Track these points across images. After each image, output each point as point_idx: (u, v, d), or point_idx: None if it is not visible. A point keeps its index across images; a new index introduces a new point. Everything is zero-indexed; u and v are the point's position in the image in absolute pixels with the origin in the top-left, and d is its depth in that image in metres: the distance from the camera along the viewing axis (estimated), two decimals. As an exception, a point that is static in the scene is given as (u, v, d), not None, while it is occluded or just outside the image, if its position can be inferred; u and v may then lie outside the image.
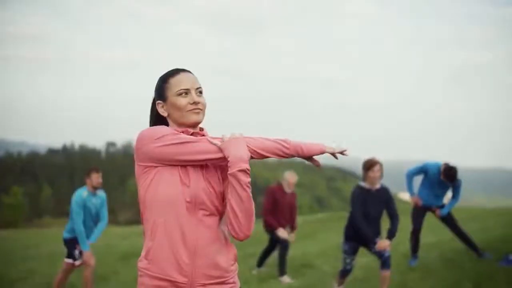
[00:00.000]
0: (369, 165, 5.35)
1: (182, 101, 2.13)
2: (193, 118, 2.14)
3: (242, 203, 2.04)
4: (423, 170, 6.90)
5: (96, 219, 6.30)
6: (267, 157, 2.15)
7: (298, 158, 2.23)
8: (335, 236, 11.24)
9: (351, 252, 5.53)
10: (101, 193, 6.35)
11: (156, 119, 2.25)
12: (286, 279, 7.05)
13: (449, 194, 6.95)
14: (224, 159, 2.08)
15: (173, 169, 2.07)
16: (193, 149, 2.06)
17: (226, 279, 2.13)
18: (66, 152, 76.65)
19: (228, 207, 2.07)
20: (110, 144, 79.75)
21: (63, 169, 68.41)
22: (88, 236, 6.18)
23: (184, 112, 2.13)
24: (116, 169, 63.80)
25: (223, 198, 2.15)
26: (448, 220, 6.89)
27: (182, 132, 2.14)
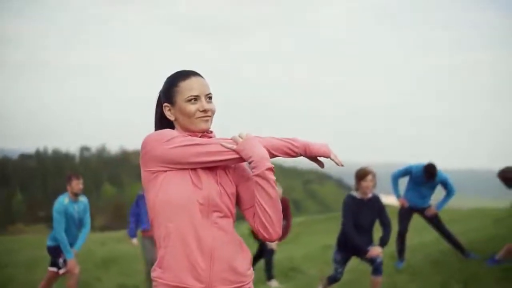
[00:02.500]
0: (362, 174, 5.25)
1: (192, 107, 2.07)
2: (201, 125, 2.09)
3: (272, 202, 2.00)
4: (407, 172, 6.93)
5: (79, 225, 6.16)
6: (276, 156, 2.11)
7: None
8: (319, 239, 11.24)
9: (343, 262, 5.49)
10: (83, 199, 6.22)
11: (161, 121, 2.18)
12: (274, 283, 7.00)
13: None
14: (240, 159, 2.03)
15: (183, 172, 2.01)
16: (207, 150, 2.00)
17: (243, 284, 2.07)
18: (39, 157, 75.30)
19: (257, 209, 2.02)
20: (84, 149, 78.70)
21: (36, 174, 67.25)
22: (72, 244, 6.04)
23: (193, 119, 2.08)
24: (90, 174, 62.88)
25: (235, 200, 2.10)
26: (435, 221, 6.92)
27: (190, 135, 2.08)
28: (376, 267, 5.24)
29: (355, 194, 5.35)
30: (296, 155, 2.12)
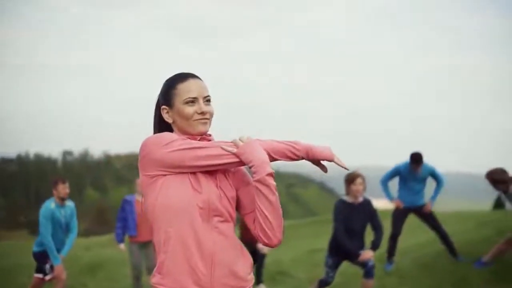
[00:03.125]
0: (351, 178, 5.25)
1: (190, 110, 2.04)
2: (199, 128, 2.05)
3: (273, 207, 1.97)
4: (395, 172, 6.97)
5: (66, 230, 6.07)
6: (278, 160, 2.08)
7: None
8: (305, 243, 11.25)
9: (335, 266, 5.47)
10: (70, 204, 6.13)
11: (160, 124, 2.15)
12: (262, 287, 6.96)
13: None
14: (240, 163, 2.00)
15: (183, 176, 1.98)
16: (207, 154, 1.97)
17: None
18: (21, 161, 74.47)
19: (258, 214, 1.98)
20: (67, 153, 78.00)
21: (17, 179, 66.47)
22: (59, 249, 5.94)
23: (191, 121, 2.05)
24: (73, 178, 62.39)
25: (234, 204, 2.08)
26: (431, 220, 6.94)
27: (189, 138, 2.04)
28: (368, 271, 5.24)
29: (346, 198, 5.34)
30: (298, 158, 2.09)
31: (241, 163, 2.00)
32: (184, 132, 2.07)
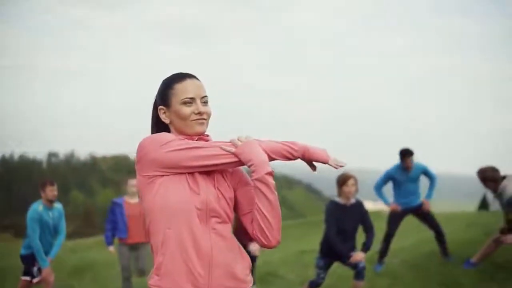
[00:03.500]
0: (343, 179, 5.22)
1: (187, 110, 2.02)
2: (196, 128, 2.04)
3: (272, 207, 1.96)
4: (387, 177, 6.98)
5: (54, 233, 6.01)
6: (275, 159, 2.06)
7: None
8: (294, 244, 11.24)
9: (326, 267, 5.47)
10: (58, 206, 6.07)
11: (157, 125, 2.13)
12: (253, 289, 6.94)
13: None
14: (239, 163, 1.98)
15: (180, 177, 1.95)
16: (206, 154, 1.95)
17: None
18: (5, 162, 73.68)
19: (256, 214, 1.97)
20: (52, 155, 77.37)
21: (1, 181, 65.72)
22: (47, 252, 5.88)
23: (188, 122, 2.03)
24: (58, 180, 61.75)
25: (232, 204, 2.06)
26: (429, 219, 6.97)
27: (186, 138, 2.02)
28: (359, 272, 5.23)
29: (338, 199, 5.32)
30: (294, 158, 2.08)
31: (240, 162, 1.98)
32: (181, 132, 2.05)
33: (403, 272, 6.63)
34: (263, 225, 1.96)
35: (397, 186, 6.94)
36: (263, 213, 1.95)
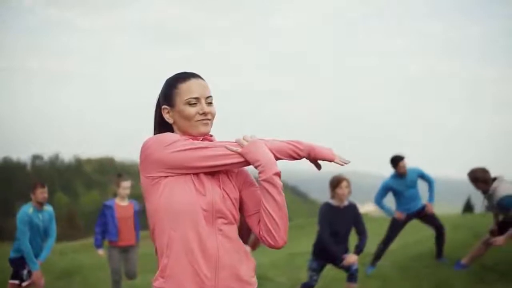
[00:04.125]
0: (336, 182, 5.23)
1: (191, 110, 2.00)
2: (201, 129, 2.02)
3: (279, 208, 1.94)
4: (385, 188, 7.04)
5: (44, 235, 5.94)
6: (281, 159, 2.05)
7: None
8: (284, 247, 11.24)
9: (319, 269, 5.47)
10: (48, 208, 6.00)
11: (161, 125, 2.11)
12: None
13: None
14: (245, 163, 1.97)
15: (186, 177, 1.93)
16: (212, 154, 1.93)
17: None
18: (-12, 165, 72.75)
19: (263, 214, 1.95)
20: (36, 157, 76.58)
21: (-15, 183, 64.92)
22: (37, 255, 5.81)
23: (193, 122, 2.01)
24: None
25: (238, 205, 2.05)
26: (434, 221, 7.04)
27: (191, 139, 2.01)
28: (352, 274, 5.25)
29: (331, 201, 5.33)
30: (300, 158, 2.07)
31: (247, 162, 1.97)
32: (185, 132, 2.04)
33: (393, 274, 6.67)
34: (270, 226, 1.95)
35: (397, 196, 7.01)
36: (270, 214, 1.94)
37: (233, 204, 2.00)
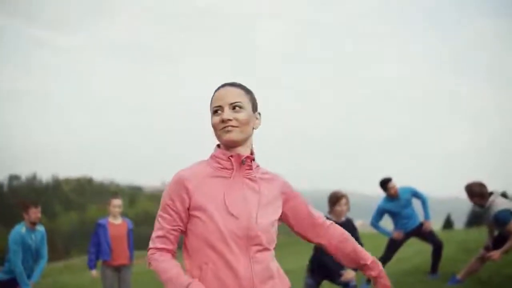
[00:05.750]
0: (336, 199, 5.22)
1: (215, 119, 1.97)
2: (224, 137, 1.95)
3: None
4: (380, 211, 7.13)
5: (36, 256, 5.83)
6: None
7: None
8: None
9: (316, 286, 5.44)
10: (41, 229, 5.91)
11: None
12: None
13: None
14: None
15: (216, 200, 1.90)
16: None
17: None
18: (-37, 186, 71.29)
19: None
20: (14, 177, 75.28)
21: (-41, 204, 63.50)
22: (28, 276, 5.70)
23: (218, 131, 1.97)
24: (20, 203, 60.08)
25: (276, 227, 2.03)
26: (432, 236, 7.08)
27: (223, 149, 1.99)
28: None
29: (329, 216, 5.33)
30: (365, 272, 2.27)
31: None
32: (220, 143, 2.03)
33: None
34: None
35: (393, 217, 7.06)
36: None
37: (270, 226, 1.98)
